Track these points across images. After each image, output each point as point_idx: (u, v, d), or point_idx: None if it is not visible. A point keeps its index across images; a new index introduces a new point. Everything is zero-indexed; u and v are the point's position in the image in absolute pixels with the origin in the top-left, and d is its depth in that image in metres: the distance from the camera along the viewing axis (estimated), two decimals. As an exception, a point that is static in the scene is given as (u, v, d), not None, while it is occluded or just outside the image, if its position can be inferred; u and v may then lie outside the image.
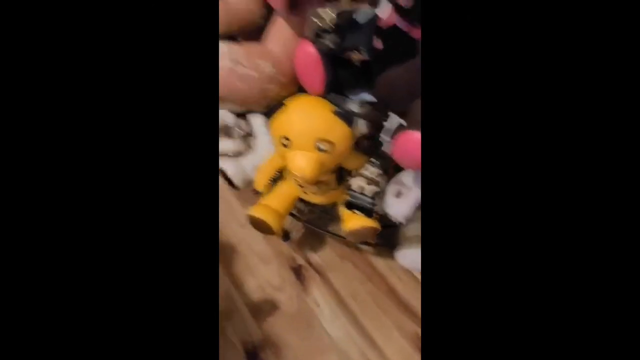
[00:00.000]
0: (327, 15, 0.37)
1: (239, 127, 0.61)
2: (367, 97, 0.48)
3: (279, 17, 0.44)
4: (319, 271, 0.63)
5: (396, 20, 0.37)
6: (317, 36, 0.37)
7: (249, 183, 0.64)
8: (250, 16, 0.52)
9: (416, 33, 0.37)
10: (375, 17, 0.38)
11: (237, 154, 0.63)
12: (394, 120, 0.45)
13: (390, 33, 0.39)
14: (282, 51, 0.43)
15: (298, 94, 0.47)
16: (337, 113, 0.43)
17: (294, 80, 0.45)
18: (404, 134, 0.39)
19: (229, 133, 0.62)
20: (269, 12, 0.48)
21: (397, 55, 0.40)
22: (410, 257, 0.51)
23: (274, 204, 0.56)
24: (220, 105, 0.50)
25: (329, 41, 0.37)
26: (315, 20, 0.37)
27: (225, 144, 0.62)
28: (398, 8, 0.37)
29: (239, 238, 0.69)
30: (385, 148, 0.45)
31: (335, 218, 0.61)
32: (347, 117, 0.44)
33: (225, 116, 0.64)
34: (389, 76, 0.42)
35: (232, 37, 0.56)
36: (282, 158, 0.48)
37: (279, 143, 0.46)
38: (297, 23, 0.41)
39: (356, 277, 0.59)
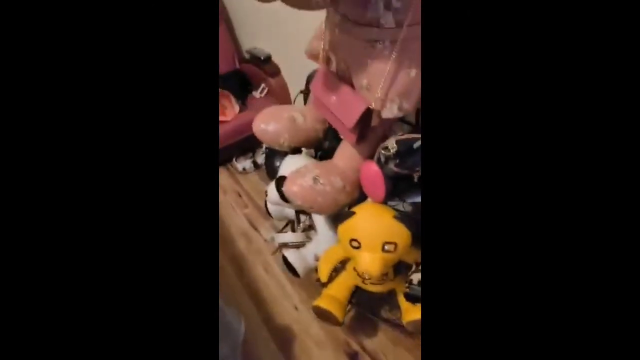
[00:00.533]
0: (392, 146, 0.46)
1: (302, 222, 0.69)
2: (419, 198, 0.56)
3: (344, 140, 0.54)
4: (373, 357, 0.65)
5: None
6: (385, 162, 0.46)
7: (310, 271, 0.69)
8: (314, 134, 0.63)
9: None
10: (419, 140, 0.47)
11: (299, 245, 0.70)
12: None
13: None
14: (349, 167, 0.53)
15: (362, 200, 0.55)
16: (397, 218, 0.51)
17: (358, 189, 0.54)
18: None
19: (292, 227, 0.70)
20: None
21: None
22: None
23: (337, 294, 0.62)
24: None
25: (393, 166, 0.46)
26: (382, 151, 0.46)
27: (288, 236, 0.70)
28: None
29: (293, 319, 0.73)
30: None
31: (388, 304, 0.65)
32: (406, 220, 0.51)
33: (289, 212, 0.73)
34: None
35: (297, 149, 0.67)
36: (350, 256, 0.55)
37: (347, 244, 0.52)
38: (362, 146, 0.50)
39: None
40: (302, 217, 0.69)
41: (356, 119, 0.45)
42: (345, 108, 0.46)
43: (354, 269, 0.59)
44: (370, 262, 0.48)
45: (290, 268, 0.67)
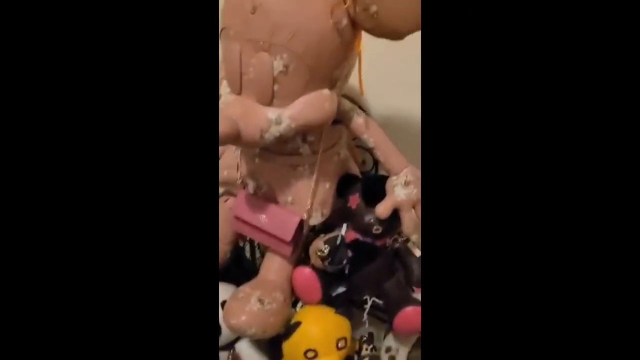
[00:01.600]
0: (324, 247, 0.52)
1: None
2: (341, 289, 0.62)
3: (269, 254, 0.56)
4: None
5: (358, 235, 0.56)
6: (323, 263, 0.51)
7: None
8: (223, 256, 0.61)
9: (379, 242, 0.56)
10: (342, 237, 0.56)
11: None
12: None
13: (355, 245, 0.57)
14: (282, 278, 0.54)
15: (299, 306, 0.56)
16: (338, 312, 0.54)
17: (291, 297, 0.55)
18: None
19: None
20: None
21: (362, 259, 0.57)
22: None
23: None
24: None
25: (330, 266, 0.51)
26: (319, 253, 0.51)
27: None
28: (356, 229, 0.56)
29: None
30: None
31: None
32: (345, 312, 0.55)
33: None
34: (360, 276, 0.58)
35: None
36: None
37: (301, 357, 0.50)
38: (291, 256, 0.54)
39: None
40: (222, 355, 0.60)
41: (293, 231, 0.49)
42: (280, 223, 0.50)
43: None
44: (333, 365, 0.49)
45: None
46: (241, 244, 0.69)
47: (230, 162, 0.56)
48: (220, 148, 0.61)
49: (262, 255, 0.69)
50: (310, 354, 0.51)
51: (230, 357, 0.61)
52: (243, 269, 0.66)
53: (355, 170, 0.61)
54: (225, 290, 0.60)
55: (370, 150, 0.52)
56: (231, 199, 0.61)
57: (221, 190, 0.62)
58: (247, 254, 0.73)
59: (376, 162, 0.69)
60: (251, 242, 0.70)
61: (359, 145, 0.66)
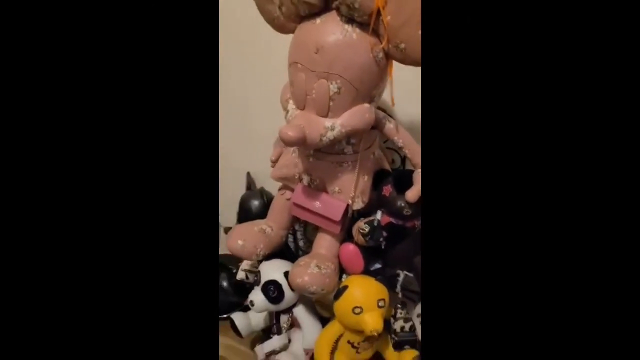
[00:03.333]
0: (365, 226, 0.65)
1: (284, 322, 0.74)
2: (377, 265, 0.75)
3: (319, 234, 0.70)
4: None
5: (391, 219, 0.69)
6: (364, 239, 0.64)
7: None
8: (281, 240, 0.77)
9: (409, 224, 0.69)
10: (379, 220, 0.69)
11: (284, 347, 0.72)
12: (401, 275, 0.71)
13: (389, 227, 0.70)
14: (331, 253, 0.69)
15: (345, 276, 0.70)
16: (378, 279, 0.67)
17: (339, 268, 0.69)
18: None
19: (278, 330, 0.73)
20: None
21: (395, 238, 0.70)
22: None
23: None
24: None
25: (370, 241, 0.64)
26: (361, 231, 0.65)
27: (275, 341, 0.72)
28: (389, 214, 0.69)
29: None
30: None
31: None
32: (383, 281, 0.68)
33: (258, 322, 0.76)
34: (393, 253, 0.70)
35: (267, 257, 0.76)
36: (350, 326, 0.65)
37: (349, 314, 0.63)
38: (338, 234, 0.68)
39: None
40: (284, 318, 0.74)
41: (341, 213, 0.63)
42: (330, 208, 0.64)
43: (348, 341, 0.68)
44: (376, 318, 0.62)
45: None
46: (297, 228, 0.84)
47: (287, 161, 0.71)
48: (279, 152, 0.77)
49: (304, 246, 0.83)
50: (357, 310, 0.64)
51: (289, 319, 0.75)
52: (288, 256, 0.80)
53: (387, 167, 0.74)
54: (282, 265, 0.75)
55: (399, 150, 0.66)
56: (287, 192, 0.76)
57: (280, 184, 0.77)
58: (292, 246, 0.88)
59: (403, 161, 0.83)
60: (304, 227, 0.85)
61: (389, 147, 0.81)
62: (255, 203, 0.94)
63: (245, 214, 0.94)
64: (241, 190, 1.02)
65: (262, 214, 0.87)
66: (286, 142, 0.54)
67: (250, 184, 1.02)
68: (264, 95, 0.97)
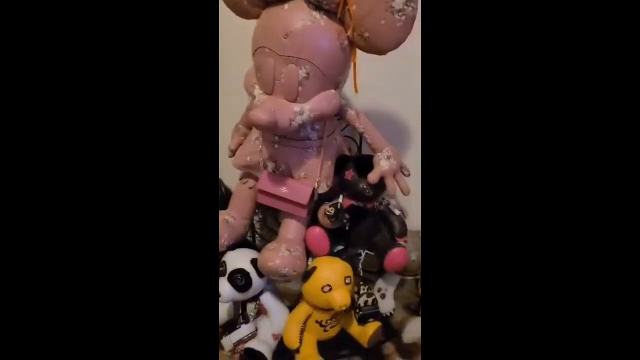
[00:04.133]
0: (330, 209, 0.68)
1: (251, 310, 0.73)
2: (340, 247, 0.78)
3: (285, 220, 0.71)
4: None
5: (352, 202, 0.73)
6: (330, 220, 0.66)
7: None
8: (244, 229, 0.76)
9: (369, 206, 0.73)
10: (341, 204, 0.72)
11: (253, 335, 0.72)
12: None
13: (351, 209, 0.73)
14: (298, 237, 0.70)
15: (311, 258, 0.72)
16: (343, 259, 0.70)
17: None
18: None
19: (246, 318, 0.72)
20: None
21: (357, 220, 0.74)
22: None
23: (311, 352, 0.69)
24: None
25: (336, 222, 0.67)
26: (327, 213, 0.67)
27: (243, 330, 0.71)
28: (351, 196, 0.73)
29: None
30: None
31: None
32: (348, 260, 0.71)
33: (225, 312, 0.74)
34: (355, 233, 0.74)
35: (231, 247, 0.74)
36: (320, 304, 0.67)
37: (319, 293, 0.65)
38: (303, 218, 0.70)
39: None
40: (250, 307, 0.73)
41: (308, 197, 0.65)
42: (297, 192, 0.66)
43: (316, 321, 0.71)
44: (344, 294, 0.65)
45: (257, 358, 0.68)
46: (255, 219, 0.83)
47: (250, 149, 0.71)
48: (238, 141, 0.76)
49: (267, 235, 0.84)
50: (326, 289, 0.67)
51: (256, 307, 0.74)
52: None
53: (346, 152, 0.78)
54: (247, 253, 0.74)
55: (360, 135, 0.70)
56: (250, 181, 0.75)
57: (243, 173, 0.76)
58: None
59: (359, 148, 0.88)
60: (262, 217, 0.85)
61: (346, 136, 0.85)
62: (211, 195, 0.92)
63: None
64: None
65: (220, 204, 0.85)
66: (258, 125, 0.54)
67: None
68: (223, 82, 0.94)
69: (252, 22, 0.63)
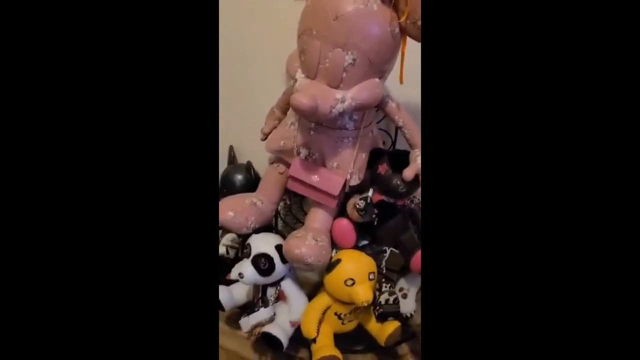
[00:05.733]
0: (360, 202, 0.66)
1: (271, 295, 0.73)
2: (364, 242, 0.77)
3: (313, 209, 0.70)
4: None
5: (383, 197, 0.71)
6: (359, 214, 0.65)
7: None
8: (271, 214, 0.76)
9: (399, 202, 0.71)
10: (371, 198, 0.71)
11: (271, 319, 0.72)
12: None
13: (381, 205, 0.72)
14: (324, 227, 0.70)
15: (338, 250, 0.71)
16: (368, 254, 0.69)
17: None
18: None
19: (265, 302, 0.72)
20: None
21: (385, 216, 0.72)
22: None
23: (328, 342, 0.69)
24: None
25: (365, 217, 0.66)
26: (357, 206, 0.65)
27: (262, 313, 0.71)
28: (382, 191, 0.71)
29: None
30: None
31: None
32: (373, 256, 0.70)
33: (240, 296, 0.75)
34: (382, 229, 0.73)
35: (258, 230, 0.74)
36: (341, 298, 0.66)
37: (342, 286, 0.65)
38: (332, 209, 0.69)
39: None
40: (271, 291, 0.73)
41: (339, 188, 0.64)
42: (328, 182, 0.64)
43: (335, 313, 0.70)
44: (367, 290, 0.64)
45: (273, 343, 0.69)
46: (280, 205, 0.83)
47: (285, 134, 0.70)
48: (272, 125, 0.75)
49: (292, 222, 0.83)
50: (349, 282, 0.66)
51: (276, 292, 0.74)
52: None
53: (381, 146, 0.76)
54: (272, 238, 0.74)
55: (399, 129, 0.67)
56: (281, 166, 0.75)
57: (274, 157, 0.75)
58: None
59: (394, 143, 0.86)
60: (288, 204, 0.84)
61: (381, 129, 0.82)
62: (239, 177, 0.91)
63: (228, 189, 0.91)
64: (222, 164, 0.98)
65: (246, 189, 0.85)
66: (299, 110, 0.52)
67: (233, 158, 0.98)
68: (253, 68, 0.94)
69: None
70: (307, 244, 0.62)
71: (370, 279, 0.67)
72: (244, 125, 0.94)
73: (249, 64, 0.92)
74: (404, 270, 0.80)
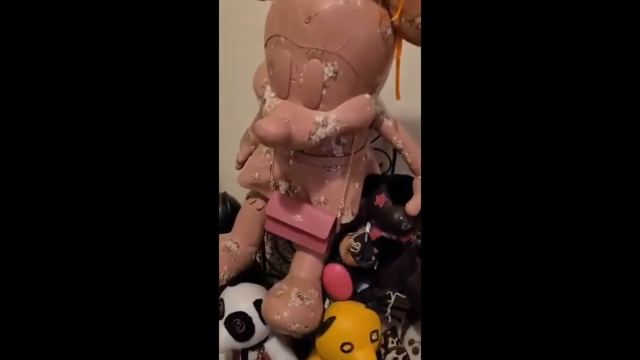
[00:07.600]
0: (355, 245, 0.54)
1: None
2: (364, 286, 0.64)
3: (298, 253, 0.58)
4: None
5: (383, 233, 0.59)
6: (355, 259, 0.53)
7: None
8: (249, 258, 0.63)
9: (403, 239, 0.59)
10: (368, 235, 0.59)
11: None
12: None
13: (380, 242, 0.59)
14: (314, 276, 0.57)
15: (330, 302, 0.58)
16: (369, 307, 0.57)
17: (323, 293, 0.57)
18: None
19: None
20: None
21: (387, 256, 0.60)
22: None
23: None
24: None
25: (362, 262, 0.54)
26: (352, 250, 0.53)
27: None
28: (382, 227, 0.59)
29: None
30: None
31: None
32: (374, 307, 0.58)
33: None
34: (384, 272, 0.60)
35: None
36: None
37: (337, 352, 0.52)
38: (322, 254, 0.56)
39: None
40: (252, 356, 0.61)
41: (329, 229, 0.51)
42: (315, 222, 0.52)
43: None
44: (370, 356, 0.51)
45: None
46: (265, 241, 0.70)
47: (259, 165, 0.58)
48: (247, 152, 0.63)
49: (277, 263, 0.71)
50: (346, 347, 0.53)
51: (259, 356, 0.62)
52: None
53: (377, 171, 0.64)
54: (251, 291, 0.61)
55: (399, 151, 0.55)
56: (258, 201, 0.62)
57: (249, 192, 0.63)
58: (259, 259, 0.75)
59: (393, 164, 0.74)
60: (274, 240, 0.72)
61: (376, 148, 0.70)
62: (216, 211, 0.80)
63: (202, 224, 0.79)
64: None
65: (224, 224, 0.73)
66: (265, 141, 0.41)
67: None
68: (231, 80, 0.82)
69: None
70: (289, 306, 0.49)
71: (372, 340, 0.54)
72: (222, 148, 0.82)
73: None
74: (412, 317, 0.68)
